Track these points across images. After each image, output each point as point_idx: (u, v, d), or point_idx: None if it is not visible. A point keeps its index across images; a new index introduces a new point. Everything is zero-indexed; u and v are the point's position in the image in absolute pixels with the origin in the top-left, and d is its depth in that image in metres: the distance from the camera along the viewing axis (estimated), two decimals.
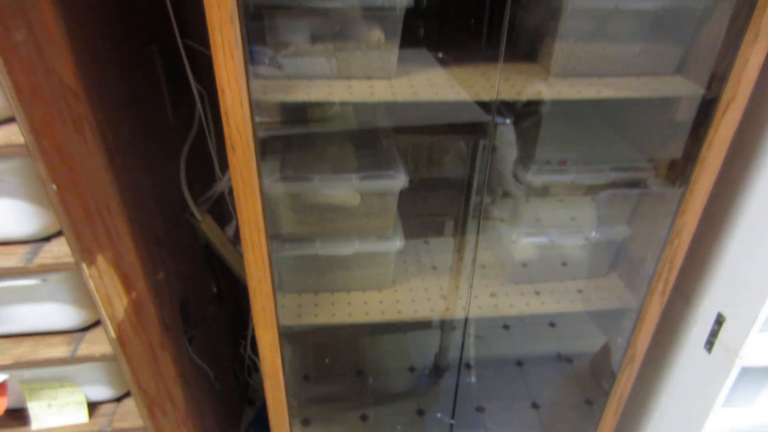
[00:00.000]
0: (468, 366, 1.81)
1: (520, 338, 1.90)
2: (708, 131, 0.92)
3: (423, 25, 1.05)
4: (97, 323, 1.00)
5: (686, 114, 1.01)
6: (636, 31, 0.97)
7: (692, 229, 1.04)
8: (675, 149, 1.06)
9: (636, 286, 1.23)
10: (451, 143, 1.43)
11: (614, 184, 1.20)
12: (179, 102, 1.24)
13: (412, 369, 1.86)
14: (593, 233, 1.26)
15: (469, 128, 1.19)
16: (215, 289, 1.54)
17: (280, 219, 1.18)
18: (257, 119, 0.88)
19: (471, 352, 1.80)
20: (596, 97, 0.95)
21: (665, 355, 1.35)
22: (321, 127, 1.18)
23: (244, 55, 0.79)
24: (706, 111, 0.93)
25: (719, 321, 1.15)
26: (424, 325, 1.83)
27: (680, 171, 1.03)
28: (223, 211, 1.41)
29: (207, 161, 1.30)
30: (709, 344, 1.18)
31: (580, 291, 1.30)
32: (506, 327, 1.91)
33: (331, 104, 1.15)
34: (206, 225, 1.32)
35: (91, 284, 0.87)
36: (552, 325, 1.83)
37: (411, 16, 0.92)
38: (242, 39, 0.78)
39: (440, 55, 1.05)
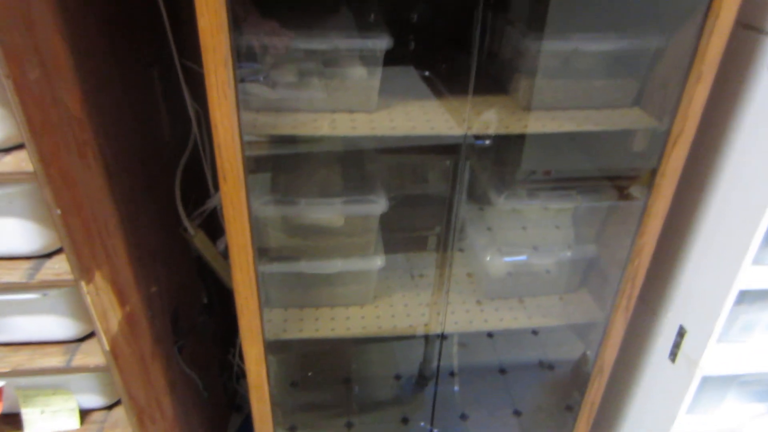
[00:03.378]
0: (452, 374, 1.85)
1: (503, 346, 1.93)
2: (661, 161, 1.00)
3: (409, 46, 1.13)
4: (91, 334, 1.03)
5: (644, 143, 1.08)
6: (597, 68, 1.04)
7: (651, 250, 1.10)
8: (637, 173, 1.14)
9: (604, 300, 1.29)
10: (433, 162, 1.49)
11: (581, 207, 1.26)
12: (176, 119, 1.27)
13: (397, 377, 1.89)
14: (564, 252, 1.33)
15: (450, 149, 1.25)
16: (206, 300, 1.58)
17: (268, 238, 1.23)
18: (247, 137, 0.94)
19: (455, 361, 1.85)
20: (558, 130, 1.02)
21: (634, 365, 1.41)
22: (309, 148, 1.24)
23: (236, 95, 0.85)
24: (660, 141, 1.00)
25: (681, 333, 1.21)
26: (408, 335, 1.87)
27: (639, 194, 1.10)
28: (215, 223, 1.45)
29: (200, 176, 1.33)
30: (673, 355, 1.24)
31: (551, 306, 1.36)
32: (490, 335, 1.95)
33: None
34: (199, 240, 1.36)
35: (89, 300, 0.92)
36: (535, 333, 1.87)
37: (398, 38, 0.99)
38: (235, 81, 0.84)
39: (426, 73, 1.12)
